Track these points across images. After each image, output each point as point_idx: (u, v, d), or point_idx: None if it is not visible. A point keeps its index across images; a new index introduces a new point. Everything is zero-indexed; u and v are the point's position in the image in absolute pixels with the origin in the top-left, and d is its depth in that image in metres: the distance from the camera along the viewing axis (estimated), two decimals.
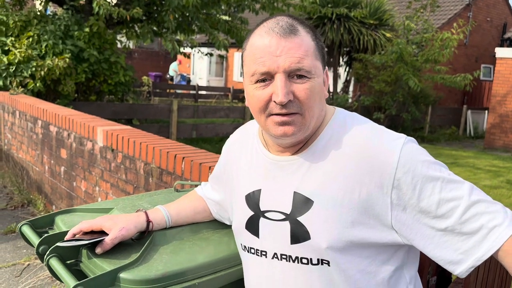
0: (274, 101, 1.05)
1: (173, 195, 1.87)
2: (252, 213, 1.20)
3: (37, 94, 6.67)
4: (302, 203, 1.10)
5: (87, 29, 7.15)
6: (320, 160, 1.11)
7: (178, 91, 18.75)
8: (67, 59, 6.60)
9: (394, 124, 12.57)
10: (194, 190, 1.58)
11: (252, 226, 1.20)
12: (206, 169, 2.49)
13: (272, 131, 1.09)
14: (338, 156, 1.09)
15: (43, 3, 8.75)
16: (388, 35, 11.74)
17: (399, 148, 1.03)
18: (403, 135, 1.08)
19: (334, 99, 11.75)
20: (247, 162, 1.27)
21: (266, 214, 1.17)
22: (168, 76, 21.76)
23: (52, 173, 4.70)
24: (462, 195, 0.99)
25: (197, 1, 7.71)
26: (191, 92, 18.90)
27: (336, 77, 13.06)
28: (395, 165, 1.01)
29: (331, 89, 12.96)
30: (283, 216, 1.13)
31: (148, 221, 1.35)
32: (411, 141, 1.07)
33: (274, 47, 1.04)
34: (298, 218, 1.09)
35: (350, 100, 12.52)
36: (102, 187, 3.72)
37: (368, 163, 1.05)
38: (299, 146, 1.15)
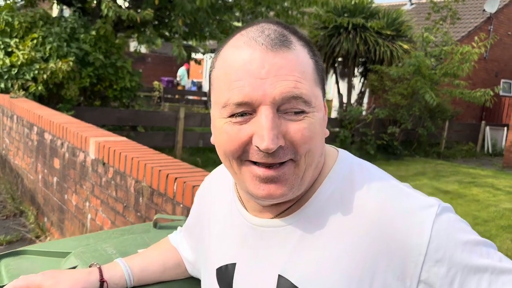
0: (256, 146, 0.74)
1: (149, 235, 1.57)
2: None
3: (39, 98, 6.46)
4: None
5: (93, 32, 6.94)
6: (317, 229, 0.80)
7: (190, 97, 18.54)
8: (71, 63, 6.39)
9: (409, 138, 12.18)
10: (167, 238, 1.27)
11: None
12: None
13: (250, 188, 0.78)
14: (342, 227, 0.78)
15: (54, 5, 8.59)
16: (405, 46, 11.38)
17: (429, 223, 0.72)
18: (434, 202, 0.76)
19: (348, 111, 11.40)
20: (221, 220, 0.96)
21: None
22: (175, 81, 21.31)
23: (45, 183, 4.45)
24: None
25: (208, 6, 7.46)
26: (203, 98, 18.69)
27: (350, 88, 12.72)
28: (423, 250, 0.71)
29: (345, 100, 12.61)
30: None
31: (102, 281, 1.05)
32: (446, 210, 0.75)
33: (257, 64, 0.73)
34: None
35: (364, 113, 12.16)
36: (92, 203, 3.45)
37: (384, 243, 0.74)
38: (286, 205, 0.84)
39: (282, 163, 0.75)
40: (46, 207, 4.44)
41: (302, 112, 0.75)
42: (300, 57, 0.76)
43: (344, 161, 0.86)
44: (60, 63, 6.35)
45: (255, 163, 0.76)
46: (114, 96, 7.47)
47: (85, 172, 3.54)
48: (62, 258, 1.36)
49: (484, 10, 15.07)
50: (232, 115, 0.75)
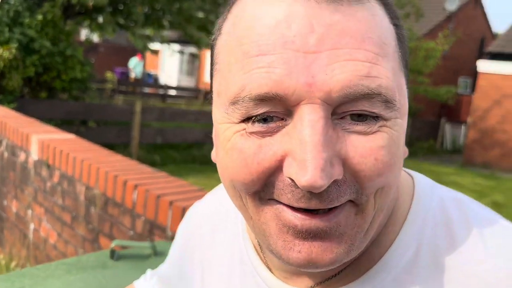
0: (290, 179, 0.41)
1: (105, 273, 1.15)
2: None
3: None
4: None
5: (40, 17, 6.34)
6: None
7: (146, 90, 17.79)
8: (14, 50, 5.81)
9: None
10: (132, 286, 0.85)
11: None
12: (165, 204, 1.88)
13: (276, 245, 0.45)
14: None
15: None
16: None
17: None
18: None
19: None
20: (223, 280, 0.62)
21: None
22: (127, 72, 19.83)
23: None
24: None
25: None
26: (160, 92, 17.96)
27: None
28: None
29: None
30: None
31: None
32: None
33: (300, 25, 0.40)
34: None
35: None
36: (35, 211, 2.97)
37: None
38: (336, 269, 0.51)
39: (334, 211, 0.43)
40: None
41: (377, 118, 0.41)
42: (379, 18, 0.42)
43: (429, 195, 0.52)
44: (1, 50, 5.75)
45: (289, 207, 0.43)
46: (63, 88, 6.85)
47: (26, 175, 3.06)
48: None
49: (444, 8, 15.25)
50: (247, 119, 0.42)
